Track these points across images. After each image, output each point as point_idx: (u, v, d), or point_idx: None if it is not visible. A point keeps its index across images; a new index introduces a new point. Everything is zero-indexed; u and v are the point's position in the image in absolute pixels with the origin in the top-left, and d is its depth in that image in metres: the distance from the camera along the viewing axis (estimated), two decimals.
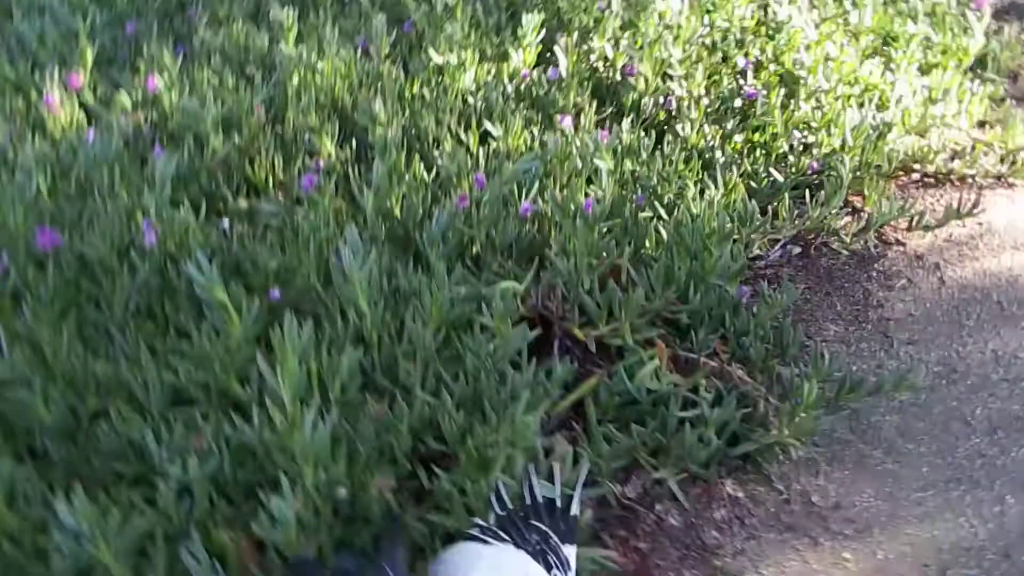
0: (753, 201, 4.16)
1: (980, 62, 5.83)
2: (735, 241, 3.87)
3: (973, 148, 5.32)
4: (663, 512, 3.16)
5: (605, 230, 3.74)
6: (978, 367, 3.83)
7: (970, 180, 5.22)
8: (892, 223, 4.76)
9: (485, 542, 2.20)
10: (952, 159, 5.32)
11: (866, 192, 4.79)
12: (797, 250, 4.55)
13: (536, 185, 3.99)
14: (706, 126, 4.69)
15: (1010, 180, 5.24)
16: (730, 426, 3.23)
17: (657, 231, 3.81)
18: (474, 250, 3.96)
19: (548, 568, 2.03)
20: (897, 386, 3.42)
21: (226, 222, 3.82)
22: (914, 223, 4.67)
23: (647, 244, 3.79)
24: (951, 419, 3.57)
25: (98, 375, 2.93)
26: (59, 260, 3.35)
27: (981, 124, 5.61)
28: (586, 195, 3.80)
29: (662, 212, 3.97)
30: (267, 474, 2.66)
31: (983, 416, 3.58)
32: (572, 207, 3.72)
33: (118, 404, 2.84)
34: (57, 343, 2.93)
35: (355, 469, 2.82)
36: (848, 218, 4.71)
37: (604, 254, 3.68)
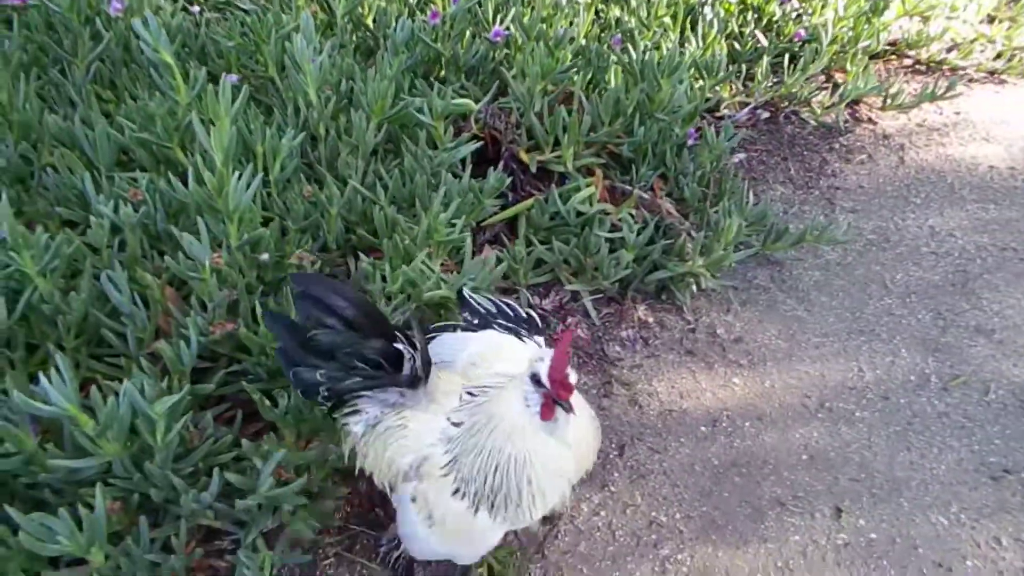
0: (726, 57, 4.16)
1: None
2: (697, 89, 3.91)
3: (973, 40, 5.20)
4: (573, 324, 3.36)
5: (568, 62, 3.78)
6: (911, 239, 3.93)
7: (962, 72, 5.13)
8: (868, 102, 4.74)
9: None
10: (949, 50, 5.22)
11: (848, 68, 4.75)
12: (766, 115, 4.57)
13: (512, 12, 4.00)
14: None
15: (1002, 76, 5.15)
16: (651, 256, 3.38)
17: (617, 65, 3.84)
18: (441, 72, 4.04)
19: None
20: (819, 238, 3.53)
21: (197, 8, 3.89)
22: (888, 102, 4.64)
23: (607, 77, 3.83)
24: (871, 281, 3.70)
25: (52, 129, 3.09)
26: (27, 20, 3.47)
27: (990, 19, 5.46)
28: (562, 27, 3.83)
29: (633, 54, 3.98)
30: (197, 232, 2.86)
31: (902, 281, 3.70)
32: (536, 31, 3.75)
33: (68, 157, 3.02)
34: (16, 97, 3.09)
35: (282, 241, 3.03)
36: (825, 92, 4.69)
37: (562, 83, 3.75)
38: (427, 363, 2.11)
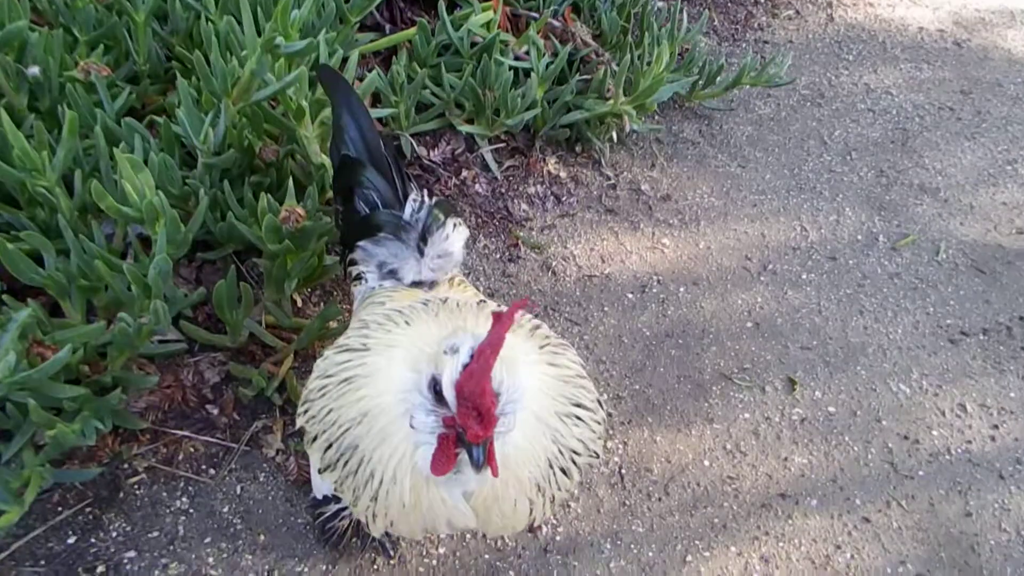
0: None
1: None
2: None
3: None
4: (470, 179, 2.71)
5: None
6: (847, 96, 3.50)
7: None
8: None
9: None
10: None
11: None
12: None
13: None
14: None
15: None
16: (562, 97, 2.75)
17: None
18: None
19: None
20: (758, 79, 3.02)
21: None
22: None
23: None
24: (808, 137, 3.25)
25: None
26: None
27: None
28: None
29: None
30: None
31: (840, 138, 3.27)
32: None
33: None
34: None
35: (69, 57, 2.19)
36: None
37: None
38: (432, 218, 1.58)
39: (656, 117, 3.01)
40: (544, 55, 2.75)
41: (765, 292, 2.62)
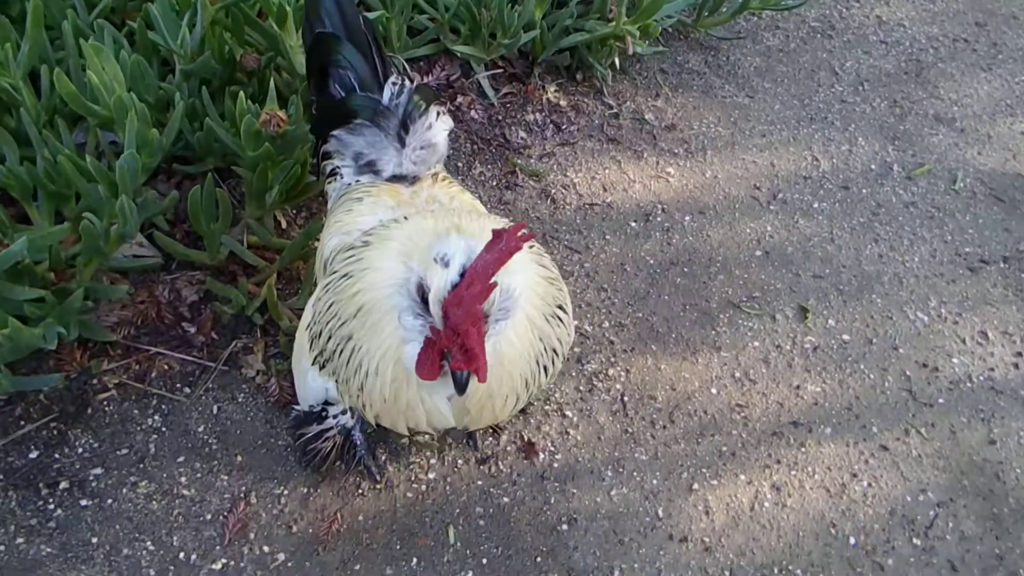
0: None
1: None
2: None
3: None
4: (465, 105, 2.57)
5: None
6: (858, 27, 3.34)
7: None
8: None
9: None
10: None
11: None
12: None
13: None
14: None
15: None
16: (561, 22, 2.61)
17: None
18: None
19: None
20: (766, 2, 2.87)
21: None
22: None
23: None
24: (818, 68, 3.10)
25: None
26: None
27: None
28: None
29: None
30: None
31: (852, 69, 3.12)
32: None
33: None
34: None
35: None
36: None
37: None
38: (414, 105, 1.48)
39: (660, 44, 2.86)
40: None
41: (775, 221, 2.49)
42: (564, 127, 2.64)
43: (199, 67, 1.92)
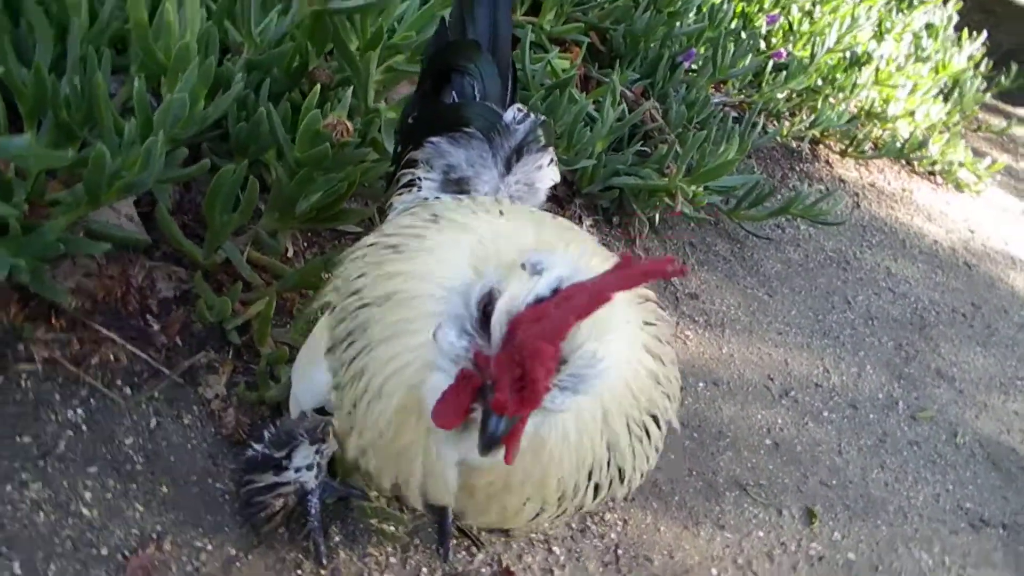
0: None
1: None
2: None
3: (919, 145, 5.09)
4: None
5: None
6: (869, 270, 3.44)
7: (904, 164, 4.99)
8: (828, 144, 4.38)
9: None
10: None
11: (818, 106, 4.40)
12: (734, 115, 4.05)
13: None
14: None
15: (937, 179, 5.05)
16: (613, 163, 2.59)
17: None
18: None
19: None
20: (808, 210, 2.94)
21: None
22: (849, 148, 4.33)
23: None
24: (832, 293, 3.13)
25: None
26: None
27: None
28: None
29: None
30: None
31: (863, 303, 3.16)
32: None
33: None
34: None
35: None
36: (794, 118, 4.29)
37: None
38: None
39: (701, 213, 2.85)
40: (616, 108, 2.60)
41: (786, 416, 2.35)
42: None
43: (269, 59, 1.77)
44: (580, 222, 2.65)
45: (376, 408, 0.96)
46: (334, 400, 1.06)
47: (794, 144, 4.17)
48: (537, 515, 1.06)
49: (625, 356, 0.98)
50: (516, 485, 0.99)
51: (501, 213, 1.06)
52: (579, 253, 0.94)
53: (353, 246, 1.13)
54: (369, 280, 0.99)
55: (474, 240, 0.99)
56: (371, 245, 1.05)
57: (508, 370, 0.81)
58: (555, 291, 0.82)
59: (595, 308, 0.80)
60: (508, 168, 1.29)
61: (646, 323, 1.11)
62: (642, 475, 1.09)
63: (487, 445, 0.84)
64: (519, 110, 1.31)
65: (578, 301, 0.80)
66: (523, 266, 0.88)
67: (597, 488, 1.04)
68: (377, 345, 0.96)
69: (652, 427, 1.06)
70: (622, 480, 1.05)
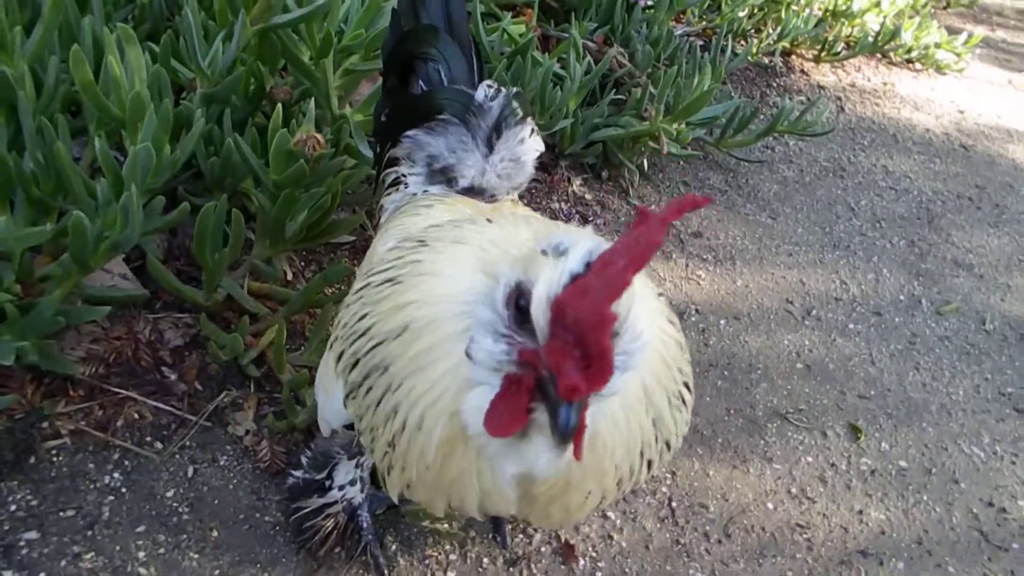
0: None
1: None
2: None
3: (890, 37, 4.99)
4: None
5: None
6: (867, 173, 3.39)
7: (880, 56, 4.90)
8: (800, 53, 4.30)
9: None
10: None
11: (782, 16, 4.31)
12: (700, 43, 3.98)
13: None
14: None
15: (916, 66, 4.96)
16: (590, 120, 2.54)
17: None
18: None
19: None
20: (795, 125, 2.89)
21: None
22: (823, 53, 4.25)
23: None
24: (834, 203, 3.09)
25: None
26: None
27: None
28: None
29: None
30: None
31: (867, 207, 3.12)
32: None
33: None
34: None
35: None
36: (761, 35, 4.21)
37: None
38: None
39: (690, 150, 2.80)
40: (582, 64, 2.55)
41: (812, 336, 2.33)
42: (590, 219, 2.51)
43: (224, 89, 1.74)
44: (569, 183, 2.62)
45: (418, 443, 0.92)
46: (365, 444, 1.03)
47: (766, 61, 4.11)
48: (600, 504, 1.04)
49: (653, 328, 0.95)
50: (576, 482, 0.96)
51: (489, 221, 1.03)
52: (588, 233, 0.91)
53: (344, 298, 1.10)
54: (376, 319, 0.96)
55: (474, 249, 0.96)
56: (363, 288, 1.02)
57: (567, 354, 0.76)
58: (588, 265, 0.78)
59: (638, 268, 0.74)
60: (490, 147, 1.26)
61: (659, 294, 1.10)
62: (680, 439, 1.08)
63: (563, 437, 0.78)
64: (489, 87, 1.28)
65: (619, 266, 0.75)
66: (543, 252, 0.84)
67: (650, 464, 1.02)
68: (404, 380, 0.92)
69: (686, 394, 1.04)
70: (668, 450, 1.03)
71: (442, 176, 1.27)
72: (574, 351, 0.78)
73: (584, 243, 0.83)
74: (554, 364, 0.79)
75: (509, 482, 0.96)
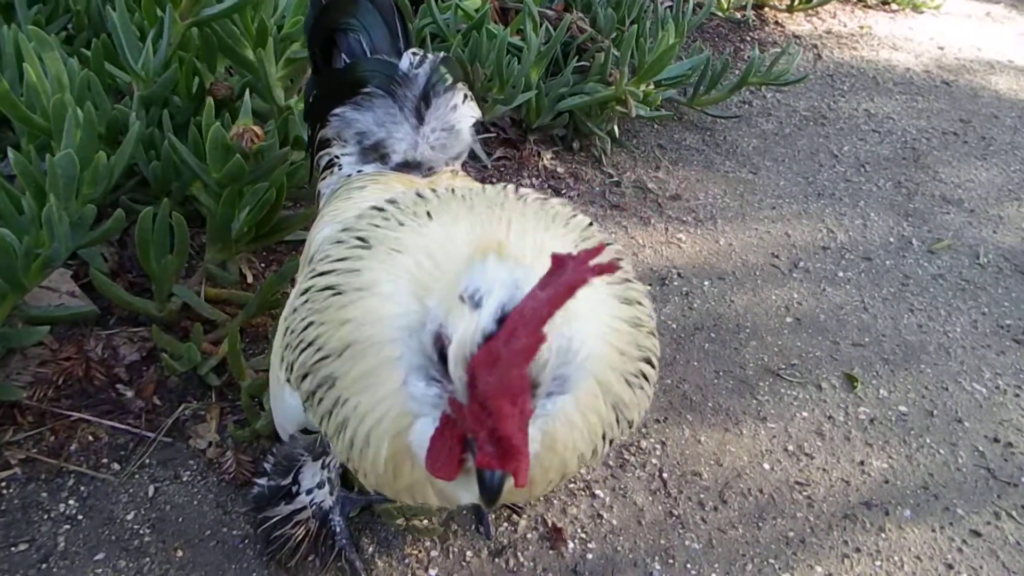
0: None
1: None
2: None
3: None
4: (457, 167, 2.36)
5: None
6: (848, 118, 3.30)
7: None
8: (772, 4, 4.20)
9: None
10: None
11: None
12: (668, 3, 3.88)
13: None
14: None
15: (892, 6, 4.85)
16: (554, 91, 2.46)
17: None
18: None
19: None
20: (767, 76, 2.80)
21: None
22: (795, 2, 4.14)
23: None
24: (816, 151, 3.00)
25: None
26: None
27: None
28: None
29: None
30: None
31: (850, 152, 3.03)
32: None
33: None
34: None
35: None
36: None
37: None
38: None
39: (661, 111, 2.72)
40: (539, 37, 2.47)
41: (801, 288, 2.26)
42: (564, 192, 2.43)
43: (160, 89, 1.67)
44: (539, 158, 2.54)
45: (369, 456, 0.89)
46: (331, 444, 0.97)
47: (738, 15, 4.01)
48: (561, 482, 0.99)
49: (601, 327, 0.89)
50: (538, 478, 0.91)
51: (429, 215, 0.95)
52: (520, 245, 0.84)
53: (292, 293, 1.04)
54: (320, 330, 0.90)
55: (410, 263, 0.88)
56: (307, 290, 0.95)
57: (480, 424, 0.72)
58: (501, 320, 0.73)
59: (542, 325, 0.70)
60: (420, 118, 1.19)
61: (608, 280, 1.00)
62: (646, 411, 1.01)
63: (488, 497, 0.75)
64: (415, 54, 1.21)
65: (524, 335, 0.71)
66: (462, 299, 0.77)
67: (611, 442, 0.97)
68: (349, 398, 0.88)
69: (647, 369, 0.97)
70: (631, 426, 0.97)
71: (374, 153, 1.20)
72: (488, 421, 0.72)
73: (498, 291, 0.75)
74: (473, 430, 0.74)
75: (464, 491, 0.91)
